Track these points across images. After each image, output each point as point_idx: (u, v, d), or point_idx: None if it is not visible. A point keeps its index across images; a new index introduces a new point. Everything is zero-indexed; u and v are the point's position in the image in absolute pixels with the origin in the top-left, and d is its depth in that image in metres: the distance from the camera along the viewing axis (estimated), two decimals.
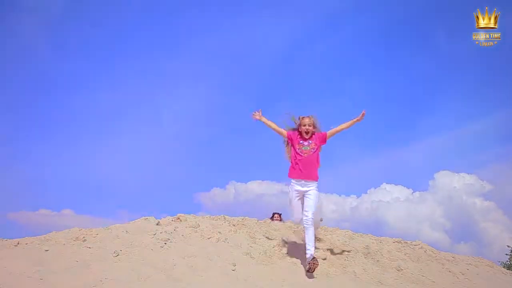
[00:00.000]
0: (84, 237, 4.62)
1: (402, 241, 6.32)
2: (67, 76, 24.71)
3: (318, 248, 5.26)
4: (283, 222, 7.17)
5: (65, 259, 4.05)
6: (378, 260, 5.46)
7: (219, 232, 5.43)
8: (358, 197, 23.03)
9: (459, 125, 25.36)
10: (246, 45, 26.11)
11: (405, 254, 5.80)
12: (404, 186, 22.13)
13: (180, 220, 5.72)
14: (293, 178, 4.94)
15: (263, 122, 5.22)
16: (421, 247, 6.18)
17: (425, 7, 24.67)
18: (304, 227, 4.84)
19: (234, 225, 5.87)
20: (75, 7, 23.89)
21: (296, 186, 4.92)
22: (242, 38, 26.50)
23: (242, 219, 6.19)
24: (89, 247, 4.40)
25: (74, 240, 4.54)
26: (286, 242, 5.49)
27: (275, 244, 5.40)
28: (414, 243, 6.30)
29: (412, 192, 22.55)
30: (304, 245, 4.80)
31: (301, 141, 4.98)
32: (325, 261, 5.17)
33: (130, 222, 5.40)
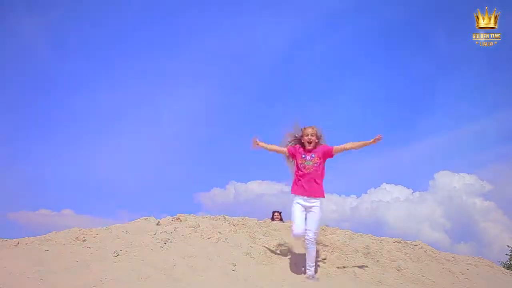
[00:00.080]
0: (84, 237, 4.62)
1: (402, 241, 6.32)
2: (67, 76, 24.77)
3: (318, 249, 5.25)
4: (283, 221, 7.20)
5: (65, 259, 4.04)
6: (378, 260, 5.46)
7: (219, 232, 5.43)
8: (358, 197, 23.08)
9: (459, 125, 25.42)
10: (246, 45, 26.15)
11: (405, 254, 5.80)
12: (404, 186, 22.18)
13: (180, 220, 5.72)
14: (296, 194, 4.72)
15: (263, 147, 5.05)
16: (421, 247, 6.19)
17: (425, 7, 24.72)
18: (306, 244, 4.65)
19: (234, 225, 5.88)
20: (75, 7, 23.92)
21: (299, 200, 4.70)
22: (242, 38, 26.55)
23: (242, 219, 6.19)
24: (89, 247, 4.40)
25: (74, 240, 4.54)
26: (286, 242, 5.49)
27: (275, 244, 5.40)
28: (414, 243, 6.30)
29: (412, 192, 22.60)
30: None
31: (303, 155, 4.77)
32: (325, 261, 5.17)
33: (130, 222, 5.41)
